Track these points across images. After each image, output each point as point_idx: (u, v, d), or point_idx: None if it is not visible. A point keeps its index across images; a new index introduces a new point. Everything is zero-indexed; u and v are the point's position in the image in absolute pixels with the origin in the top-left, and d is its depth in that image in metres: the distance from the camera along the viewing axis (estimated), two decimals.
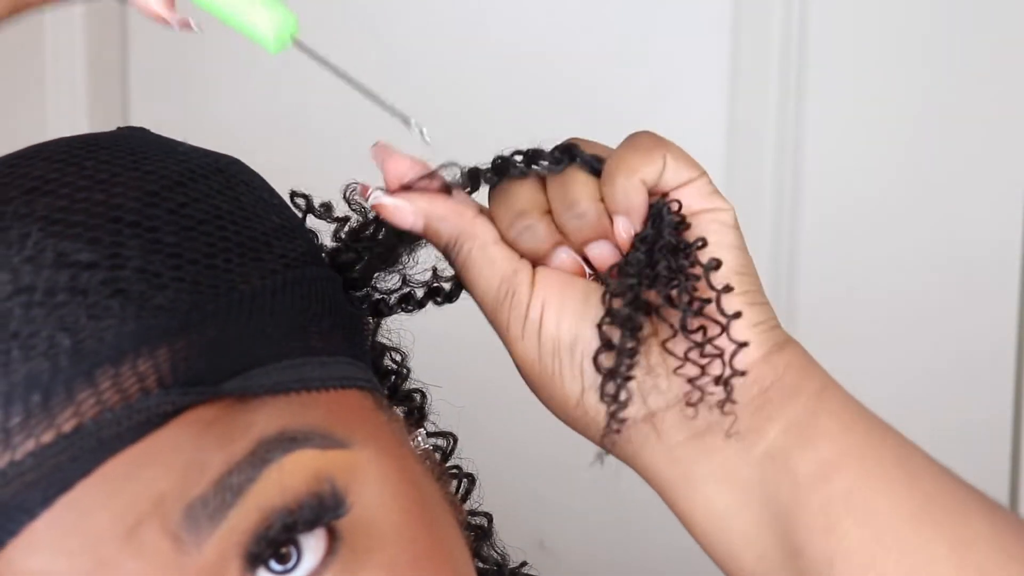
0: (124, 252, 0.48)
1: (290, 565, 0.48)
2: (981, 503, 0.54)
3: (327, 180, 0.61)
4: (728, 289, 0.54)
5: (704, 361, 0.54)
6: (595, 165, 0.56)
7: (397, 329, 0.64)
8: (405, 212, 0.56)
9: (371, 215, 0.59)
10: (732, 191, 1.11)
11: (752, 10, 1.12)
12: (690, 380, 0.55)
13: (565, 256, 0.57)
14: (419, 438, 0.58)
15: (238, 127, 1.14)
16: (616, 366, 0.54)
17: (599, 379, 0.55)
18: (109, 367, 0.46)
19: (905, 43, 1.13)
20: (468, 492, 0.63)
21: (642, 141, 0.56)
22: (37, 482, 0.45)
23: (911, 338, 1.15)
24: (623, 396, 0.54)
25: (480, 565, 0.61)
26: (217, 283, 0.49)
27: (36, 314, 0.47)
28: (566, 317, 0.56)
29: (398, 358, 0.63)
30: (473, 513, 0.63)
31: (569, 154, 0.56)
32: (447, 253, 0.58)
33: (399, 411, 0.62)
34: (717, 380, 0.54)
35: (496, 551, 0.63)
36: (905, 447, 0.55)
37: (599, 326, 0.55)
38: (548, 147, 0.57)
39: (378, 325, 0.63)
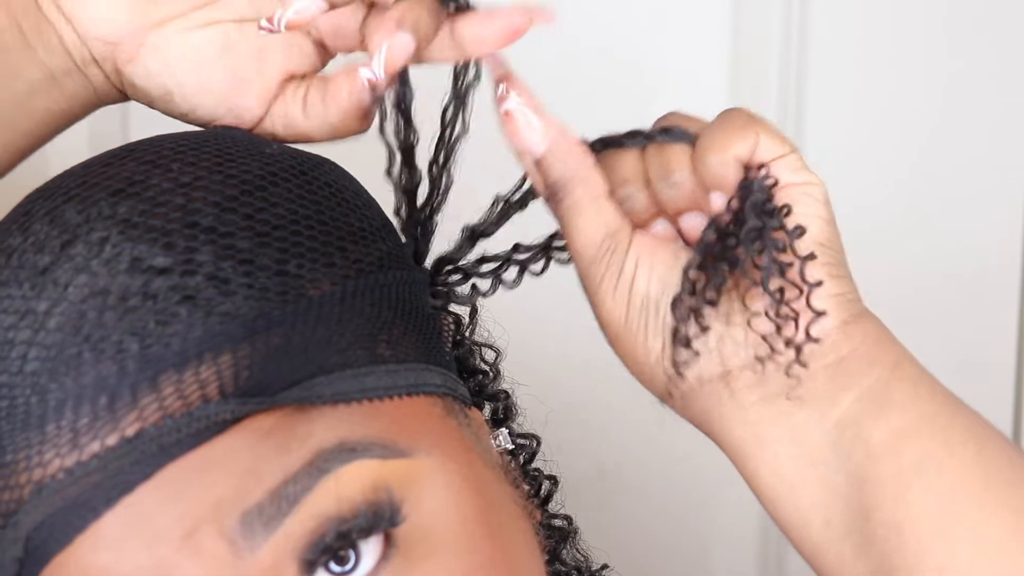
0: (197, 258, 0.49)
1: (348, 567, 0.48)
2: None
3: None
4: (812, 257, 0.54)
5: (779, 321, 0.55)
6: (692, 140, 0.56)
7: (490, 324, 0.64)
8: (536, 129, 0.56)
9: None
10: None
11: (752, 10, 1.10)
12: (763, 336, 0.55)
13: (661, 229, 0.57)
14: (500, 438, 0.58)
15: None
16: (696, 305, 0.55)
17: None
18: (173, 373, 0.48)
19: (905, 44, 1.11)
20: (550, 495, 0.62)
21: (735, 118, 0.56)
22: (101, 483, 0.47)
23: (911, 342, 1.14)
24: (693, 332, 0.55)
25: (559, 567, 0.61)
26: (286, 290, 0.50)
27: (108, 318, 0.48)
28: (656, 276, 0.56)
29: (490, 356, 0.63)
30: (553, 515, 0.62)
31: (667, 129, 0.57)
32: (553, 192, 0.57)
33: (486, 410, 0.62)
34: (789, 342, 0.54)
35: (579, 551, 0.63)
36: (975, 420, 0.55)
37: (685, 271, 0.55)
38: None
39: (472, 323, 0.63)
